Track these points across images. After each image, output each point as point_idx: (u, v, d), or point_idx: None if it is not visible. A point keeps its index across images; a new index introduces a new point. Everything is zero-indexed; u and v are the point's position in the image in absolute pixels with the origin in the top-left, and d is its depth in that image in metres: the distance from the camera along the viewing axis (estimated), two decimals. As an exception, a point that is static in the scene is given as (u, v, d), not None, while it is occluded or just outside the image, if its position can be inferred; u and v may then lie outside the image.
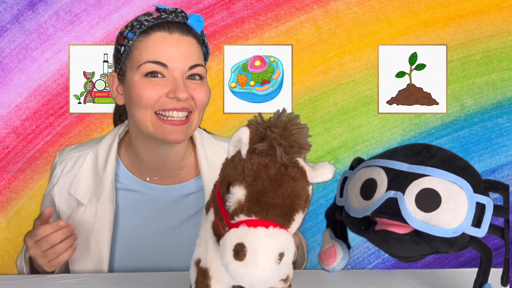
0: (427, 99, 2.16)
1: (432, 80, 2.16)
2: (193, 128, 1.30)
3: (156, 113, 1.26)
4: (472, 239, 1.04)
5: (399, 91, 2.16)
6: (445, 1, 2.15)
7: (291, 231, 0.82)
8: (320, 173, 0.83)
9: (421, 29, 2.15)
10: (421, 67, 2.16)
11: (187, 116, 1.27)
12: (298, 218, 0.82)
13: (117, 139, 1.38)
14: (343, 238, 1.25)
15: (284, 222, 0.80)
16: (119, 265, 1.34)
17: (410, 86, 2.16)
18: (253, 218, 0.79)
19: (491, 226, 1.04)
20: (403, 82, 2.16)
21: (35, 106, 2.08)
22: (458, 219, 1.01)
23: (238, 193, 0.80)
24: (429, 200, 1.02)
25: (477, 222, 1.02)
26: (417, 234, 1.03)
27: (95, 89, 2.10)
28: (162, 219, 1.35)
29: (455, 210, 1.01)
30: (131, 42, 1.27)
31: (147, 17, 1.27)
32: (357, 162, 1.19)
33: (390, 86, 2.16)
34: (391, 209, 1.02)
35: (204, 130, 1.46)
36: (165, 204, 1.36)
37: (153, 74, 1.24)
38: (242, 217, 0.79)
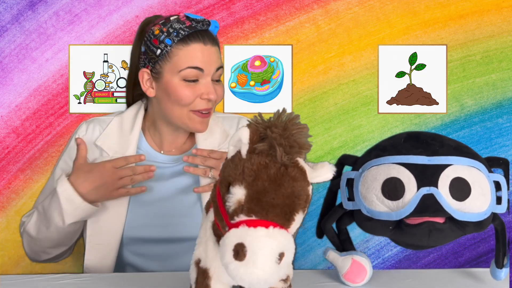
0: (427, 99, 2.16)
1: (432, 80, 2.15)
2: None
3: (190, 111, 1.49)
4: (494, 216, 1.07)
5: (399, 91, 2.16)
6: (445, 1, 2.15)
7: (291, 231, 0.82)
8: (320, 173, 0.84)
9: (421, 29, 2.15)
10: (421, 67, 2.15)
11: None
12: (298, 218, 0.82)
13: (143, 110, 1.60)
14: (350, 246, 1.20)
15: (284, 222, 0.80)
16: (131, 220, 1.52)
17: (410, 86, 2.16)
18: (253, 218, 0.79)
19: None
20: (403, 82, 2.16)
21: (35, 106, 2.08)
22: (486, 201, 1.03)
23: (238, 193, 0.80)
24: (461, 189, 1.02)
25: (496, 199, 1.05)
26: (452, 221, 1.02)
27: (95, 89, 2.10)
28: (169, 185, 1.55)
29: (482, 193, 1.03)
30: (169, 47, 1.47)
31: (181, 25, 1.47)
32: (353, 161, 1.17)
33: (390, 86, 2.16)
34: (432, 207, 1.00)
35: None
36: (173, 172, 1.57)
37: (193, 79, 1.47)
38: (242, 217, 0.79)
